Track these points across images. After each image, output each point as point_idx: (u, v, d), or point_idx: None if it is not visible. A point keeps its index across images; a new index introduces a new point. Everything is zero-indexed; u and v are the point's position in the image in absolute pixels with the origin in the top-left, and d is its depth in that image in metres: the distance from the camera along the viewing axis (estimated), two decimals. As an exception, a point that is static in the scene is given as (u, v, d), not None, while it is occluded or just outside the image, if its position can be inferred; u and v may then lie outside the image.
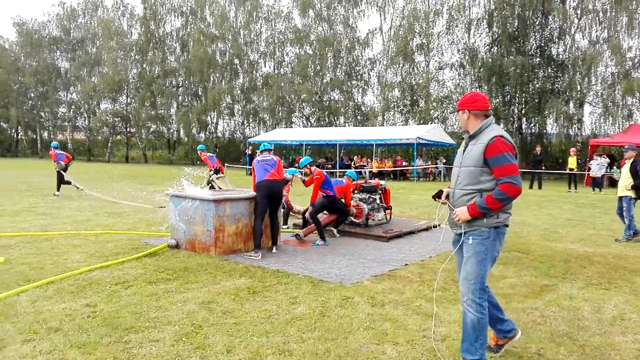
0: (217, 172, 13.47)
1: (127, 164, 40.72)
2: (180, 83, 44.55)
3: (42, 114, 52.21)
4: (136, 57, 44.15)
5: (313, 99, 37.22)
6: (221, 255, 6.53)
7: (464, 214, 3.16)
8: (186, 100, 44.07)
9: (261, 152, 7.20)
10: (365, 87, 38.62)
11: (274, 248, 7.03)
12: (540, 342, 3.76)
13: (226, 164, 28.48)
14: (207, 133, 43.47)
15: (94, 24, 47.63)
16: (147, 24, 42.18)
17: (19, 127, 54.07)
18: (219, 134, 44.27)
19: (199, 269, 5.79)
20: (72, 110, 50.56)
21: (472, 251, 3.18)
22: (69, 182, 14.21)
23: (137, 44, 43.54)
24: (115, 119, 46.25)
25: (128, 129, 47.21)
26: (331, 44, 36.25)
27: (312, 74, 37.41)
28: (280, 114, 39.26)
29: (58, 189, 13.93)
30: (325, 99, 38.27)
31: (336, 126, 36.86)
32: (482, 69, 29.42)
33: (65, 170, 14.28)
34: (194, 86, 43.25)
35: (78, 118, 51.21)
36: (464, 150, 3.30)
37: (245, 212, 6.90)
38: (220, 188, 12.46)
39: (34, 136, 54.37)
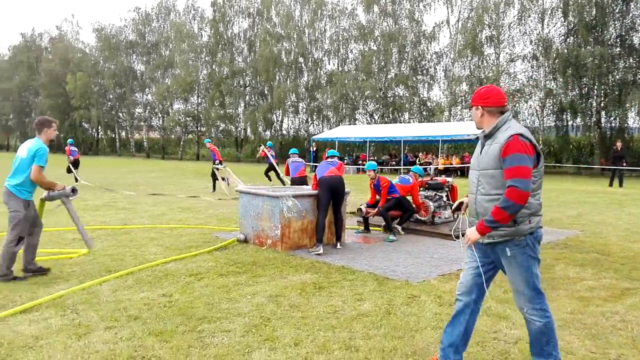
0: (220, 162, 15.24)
1: (198, 162, 42.40)
2: (248, 83, 45.72)
3: (120, 114, 55.49)
4: (206, 58, 45.81)
5: (377, 96, 36.93)
6: (287, 250, 6.66)
7: (473, 235, 2.93)
8: (253, 99, 45.20)
9: (328, 157, 7.55)
10: (431, 81, 37.80)
11: (338, 244, 7.07)
12: (620, 348, 3.53)
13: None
14: (272, 131, 44.39)
15: (167, 27, 49.91)
16: (216, 26, 43.63)
17: (99, 127, 57.80)
18: (284, 132, 45.06)
19: (266, 263, 5.94)
20: (147, 110, 53.32)
21: (514, 263, 2.94)
22: (70, 171, 17.80)
23: (207, 45, 45.17)
24: (187, 118, 48.32)
25: (199, 128, 49.12)
26: (396, 39, 35.76)
27: (376, 70, 37.13)
28: (344, 111, 39.31)
29: (76, 180, 16.90)
30: (389, 95, 37.83)
31: (400, 122, 36.38)
32: (557, 61, 27.86)
33: (75, 165, 17.99)
34: (260, 85, 44.25)
35: (153, 118, 53.93)
36: (480, 151, 3.03)
37: (310, 208, 6.99)
38: (223, 178, 14.88)
39: (113, 135, 57.89)
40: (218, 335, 3.69)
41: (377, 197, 8.18)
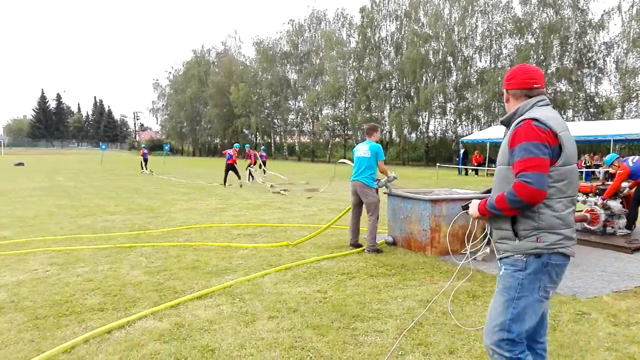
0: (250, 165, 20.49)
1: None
2: (394, 85, 45.79)
3: (275, 120, 59.75)
4: (353, 64, 47.00)
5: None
6: (437, 255, 6.51)
7: (473, 208, 2.49)
8: (399, 101, 45.13)
9: None
10: (600, 75, 33.87)
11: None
12: None
13: (438, 164, 28.19)
14: (418, 133, 43.80)
15: (317, 37, 52.38)
16: (364, 32, 44.52)
17: (257, 133, 62.85)
18: (430, 134, 44.15)
19: (416, 267, 5.88)
20: (299, 116, 56.56)
21: (500, 285, 2.39)
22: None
23: (355, 51, 46.31)
24: (335, 122, 50.12)
25: (345, 132, 50.59)
26: (557, 31, 32.82)
27: (534, 64, 34.41)
28: (497, 110, 37.14)
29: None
30: (549, 91, 34.76)
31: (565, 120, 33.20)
32: None
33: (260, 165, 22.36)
34: (407, 87, 43.98)
35: (304, 123, 57.00)
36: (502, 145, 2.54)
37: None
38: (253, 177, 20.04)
39: (269, 140, 62.50)
40: (371, 335, 3.76)
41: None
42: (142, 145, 23.23)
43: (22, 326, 3.91)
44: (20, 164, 34.54)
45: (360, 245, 6.93)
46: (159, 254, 6.52)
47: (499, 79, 35.39)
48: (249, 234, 8.19)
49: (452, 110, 41.53)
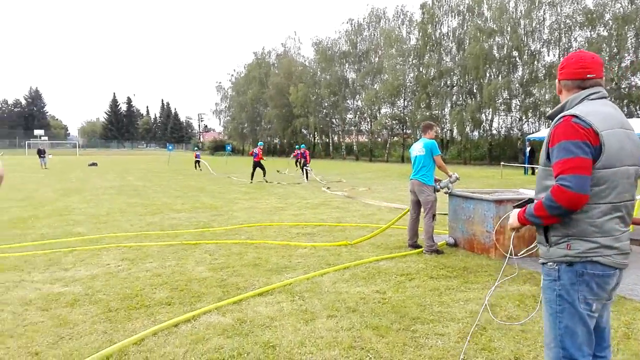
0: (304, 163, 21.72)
1: (403, 164, 43.08)
2: (455, 82, 44.68)
3: (334, 120, 59.98)
4: (413, 61, 46.30)
5: (608, 87, 32.20)
6: (501, 258, 6.28)
7: (513, 218, 2.30)
8: (460, 98, 43.98)
9: None
10: (682, 67, 31.39)
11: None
12: None
13: (502, 163, 27.21)
14: (480, 131, 42.46)
15: (376, 35, 52.03)
16: (425, 28, 43.74)
17: (316, 133, 63.36)
18: (494, 131, 42.68)
19: (478, 270, 5.70)
20: (357, 115, 56.45)
21: (544, 299, 2.20)
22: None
23: (415, 48, 45.62)
24: (393, 121, 49.58)
25: (404, 130, 49.94)
26: (632, 21, 30.76)
27: (607, 58, 32.45)
28: (566, 106, 35.33)
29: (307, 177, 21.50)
30: (623, 86, 32.68)
31: (638, 117, 31.08)
32: None
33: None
34: (469, 84, 42.79)
35: (362, 122, 56.85)
36: None
37: (529, 214, 6.45)
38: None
39: (327, 140, 62.82)
40: (432, 337, 3.69)
41: None
42: (194, 148, 27.30)
43: (95, 318, 4.16)
44: (94, 164, 36.74)
45: (419, 246, 6.83)
46: (222, 251, 6.73)
47: (569, 73, 33.65)
48: (308, 233, 8.27)
49: (518, 107, 39.94)
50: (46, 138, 78.86)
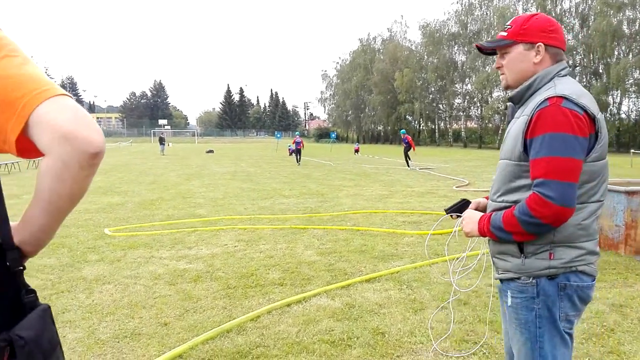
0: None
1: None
2: (578, 62, 40.94)
3: (440, 105, 58.11)
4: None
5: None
6: (632, 254, 5.69)
7: (469, 225, 1.79)
8: (584, 79, 40.25)
9: None
10: None
11: None
12: None
13: (632, 151, 24.51)
14: (607, 115, 38.57)
15: (489, 14, 49.25)
16: (544, 4, 40.52)
17: (421, 119, 61.87)
18: (622, 115, 38.54)
19: (606, 267, 5.22)
20: (466, 100, 54.10)
21: (515, 322, 1.73)
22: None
23: (531, 27, 42.44)
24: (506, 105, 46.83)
25: (518, 116, 46.91)
26: None
27: None
28: None
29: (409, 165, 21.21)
30: None
31: None
32: None
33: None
34: (594, 63, 39.04)
35: (471, 107, 54.39)
36: (508, 130, 1.79)
37: (668, 208, 5.77)
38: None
39: (433, 126, 61.09)
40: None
41: None
42: (296, 133, 28.91)
43: (216, 294, 4.48)
44: (211, 151, 39.36)
45: None
46: (329, 237, 6.88)
47: None
48: (414, 221, 8.15)
49: (652, 88, 35.63)
50: (169, 127, 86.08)
